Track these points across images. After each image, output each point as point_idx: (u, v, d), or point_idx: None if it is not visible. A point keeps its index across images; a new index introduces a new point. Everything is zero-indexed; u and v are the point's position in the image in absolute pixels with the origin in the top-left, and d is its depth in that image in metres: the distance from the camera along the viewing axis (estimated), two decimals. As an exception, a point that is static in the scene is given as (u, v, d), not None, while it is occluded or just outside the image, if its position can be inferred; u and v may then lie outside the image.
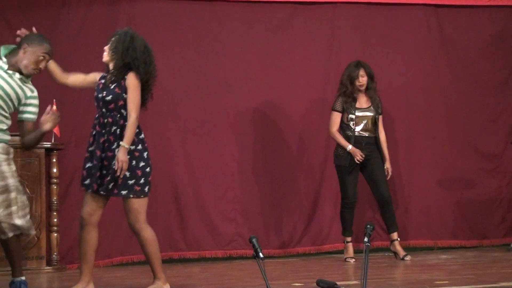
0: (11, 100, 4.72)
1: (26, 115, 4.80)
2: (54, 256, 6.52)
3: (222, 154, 7.29)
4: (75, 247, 6.77)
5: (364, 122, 6.78)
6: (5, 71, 4.75)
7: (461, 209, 7.70)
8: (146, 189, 4.86)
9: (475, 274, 5.65)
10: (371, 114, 6.80)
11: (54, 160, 6.60)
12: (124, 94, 4.81)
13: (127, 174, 4.78)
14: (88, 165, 4.86)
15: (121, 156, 4.70)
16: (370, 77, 6.82)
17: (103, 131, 4.82)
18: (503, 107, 7.89)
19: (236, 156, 7.33)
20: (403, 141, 7.61)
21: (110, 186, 4.79)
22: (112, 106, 4.82)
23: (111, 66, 4.92)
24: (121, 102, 4.81)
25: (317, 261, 6.96)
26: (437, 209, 7.66)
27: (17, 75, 4.75)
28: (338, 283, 4.73)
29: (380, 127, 6.85)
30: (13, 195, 4.70)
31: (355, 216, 6.93)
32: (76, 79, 5.10)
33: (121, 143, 4.73)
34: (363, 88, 6.80)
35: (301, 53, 7.50)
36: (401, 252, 6.79)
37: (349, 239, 6.86)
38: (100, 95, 4.88)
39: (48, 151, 6.57)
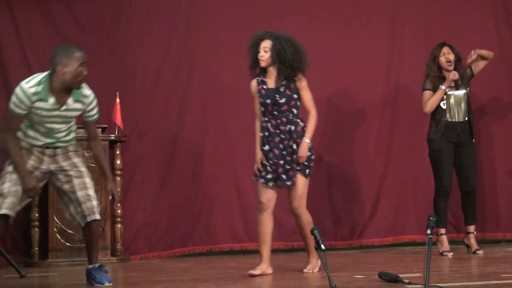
0: (75, 117, 4.91)
1: (87, 120, 4.99)
2: (118, 246, 6.63)
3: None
4: (138, 238, 6.88)
5: (457, 102, 6.35)
6: (58, 109, 4.79)
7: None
8: (307, 171, 5.32)
9: (543, 267, 5.52)
10: (463, 91, 6.36)
11: (118, 152, 6.71)
12: (294, 95, 5.31)
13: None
14: (264, 162, 5.37)
15: (302, 151, 5.24)
16: (457, 57, 6.43)
17: (277, 131, 5.32)
18: None
19: (298, 148, 7.30)
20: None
21: (280, 179, 5.30)
22: (285, 107, 5.30)
23: (271, 69, 5.30)
24: (292, 102, 5.32)
25: (379, 254, 6.90)
26: (507, 201, 7.49)
27: (70, 99, 4.80)
28: (400, 275, 4.68)
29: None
30: None
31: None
32: None
33: (304, 139, 5.27)
34: (451, 65, 6.37)
35: (364, 42, 7.43)
36: (474, 246, 6.50)
37: (443, 231, 6.46)
38: (268, 100, 5.29)
39: (112, 143, 6.67)
